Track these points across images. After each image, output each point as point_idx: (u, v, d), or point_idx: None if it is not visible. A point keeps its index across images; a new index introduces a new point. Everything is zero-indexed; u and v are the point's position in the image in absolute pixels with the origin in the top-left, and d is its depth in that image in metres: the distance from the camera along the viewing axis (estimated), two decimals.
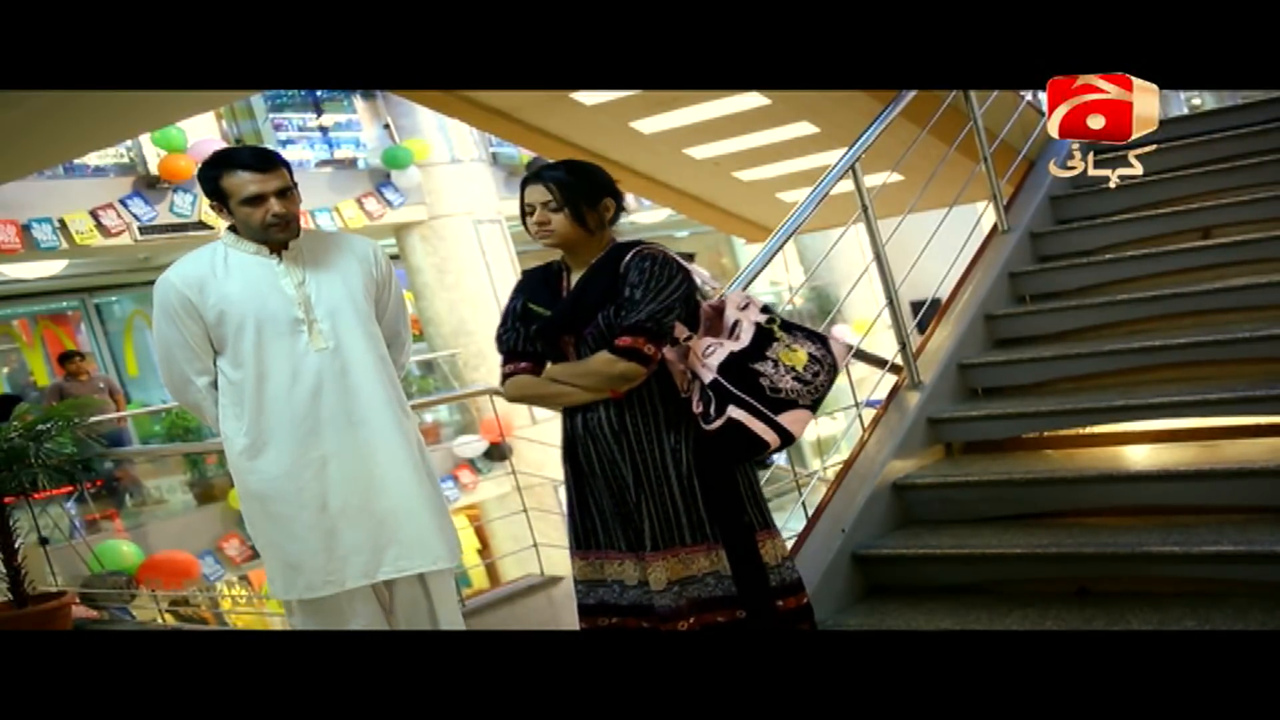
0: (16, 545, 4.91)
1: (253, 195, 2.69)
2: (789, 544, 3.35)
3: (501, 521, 9.77)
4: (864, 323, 9.57)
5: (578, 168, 2.62)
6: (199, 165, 2.82)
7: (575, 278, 2.61)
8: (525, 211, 2.58)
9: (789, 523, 3.59)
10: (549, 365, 2.61)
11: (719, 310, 2.62)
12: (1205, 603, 2.77)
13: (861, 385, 4.26)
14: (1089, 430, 3.66)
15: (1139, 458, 3.46)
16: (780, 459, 4.33)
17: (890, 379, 4.03)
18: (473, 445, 11.16)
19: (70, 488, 6.24)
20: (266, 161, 2.72)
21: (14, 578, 4.85)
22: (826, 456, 6.93)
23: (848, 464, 3.60)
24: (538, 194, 2.55)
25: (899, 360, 3.90)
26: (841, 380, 4.36)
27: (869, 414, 3.88)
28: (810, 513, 3.46)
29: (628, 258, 2.53)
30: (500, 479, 10.42)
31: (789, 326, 2.58)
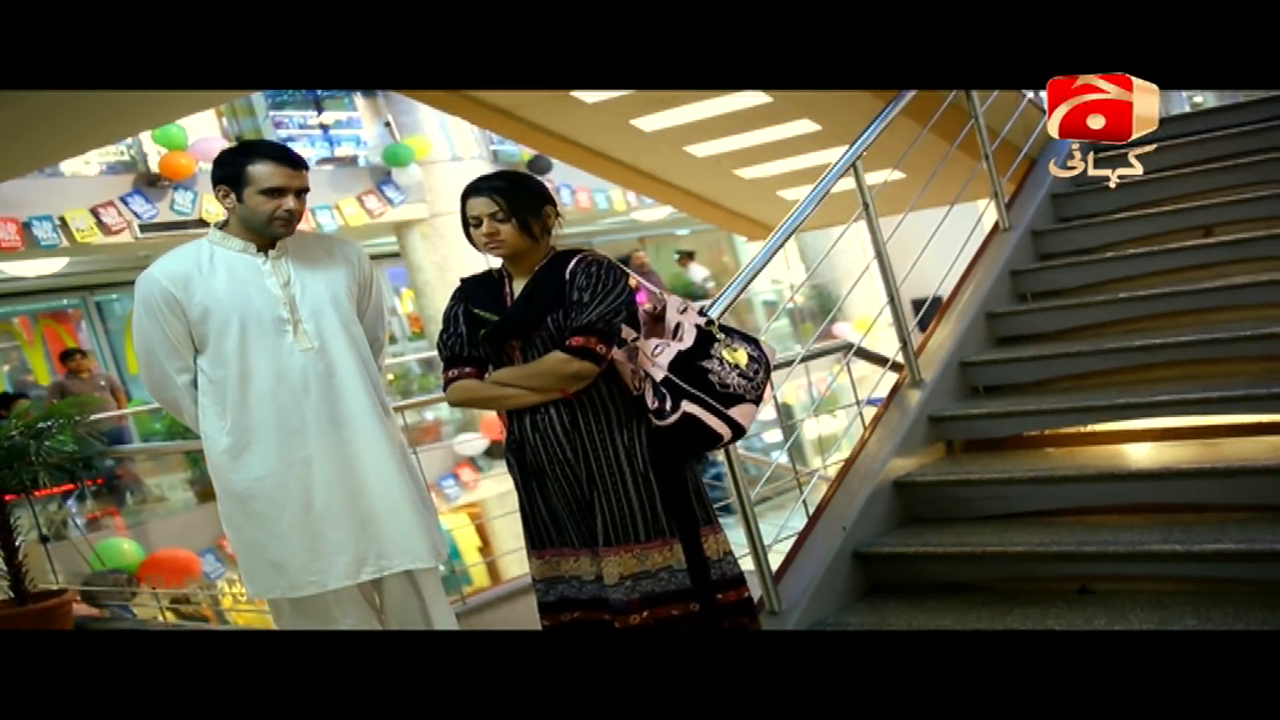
0: (17, 543, 4.92)
1: (276, 187, 2.70)
2: (790, 542, 3.37)
3: (502, 519, 9.76)
4: (865, 321, 9.52)
5: (516, 177, 2.70)
6: (221, 152, 2.81)
7: (518, 284, 2.69)
8: (471, 224, 2.64)
9: (790, 521, 3.60)
10: (494, 370, 2.66)
11: (657, 315, 2.71)
12: (1206, 601, 2.77)
13: (863, 383, 4.26)
14: (1090, 428, 3.66)
15: (1140, 456, 3.46)
16: (782, 457, 4.34)
17: (891, 377, 4.03)
18: (474, 443, 11.16)
19: (71, 485, 6.23)
20: (297, 160, 2.76)
21: (15, 576, 4.86)
22: (827, 454, 6.93)
23: (849, 462, 3.61)
24: (483, 206, 2.60)
25: (900, 358, 3.90)
26: (843, 378, 4.37)
27: (870, 412, 3.88)
28: (811, 511, 3.46)
29: (572, 264, 2.64)
30: (501, 477, 10.42)
31: (725, 329, 2.70)
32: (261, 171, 2.70)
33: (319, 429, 2.76)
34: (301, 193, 2.76)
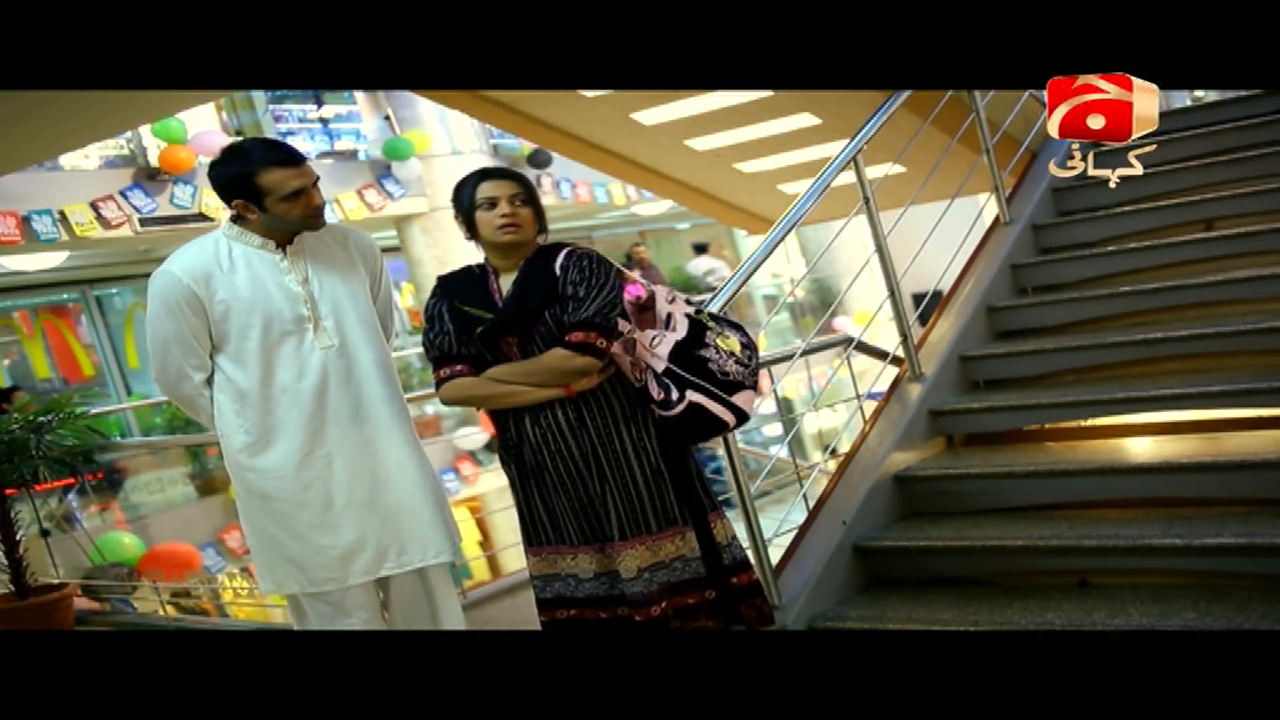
0: (18, 537, 4.93)
1: (296, 190, 2.68)
2: (790, 536, 3.37)
3: (502, 514, 9.76)
4: (866, 315, 9.51)
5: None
6: (213, 163, 2.75)
7: (505, 280, 2.68)
8: (482, 205, 2.61)
9: (790, 515, 3.59)
10: (491, 367, 2.65)
11: (644, 305, 2.69)
12: (1206, 595, 2.77)
13: (863, 377, 4.25)
14: (1090, 422, 3.66)
15: (1140, 450, 3.46)
16: (783, 451, 4.33)
17: (892, 371, 4.03)
18: (473, 437, 11.16)
19: (72, 479, 6.23)
20: (297, 156, 2.72)
21: (15, 569, 4.86)
22: (828, 448, 6.92)
23: (849, 456, 3.61)
24: (505, 187, 2.61)
25: (900, 352, 3.90)
26: (843, 372, 4.36)
27: (870, 406, 3.88)
28: (811, 505, 3.46)
29: (561, 257, 2.62)
30: (501, 471, 10.42)
31: (714, 317, 2.70)
32: (274, 180, 2.66)
33: (339, 426, 2.77)
34: (316, 183, 2.74)
